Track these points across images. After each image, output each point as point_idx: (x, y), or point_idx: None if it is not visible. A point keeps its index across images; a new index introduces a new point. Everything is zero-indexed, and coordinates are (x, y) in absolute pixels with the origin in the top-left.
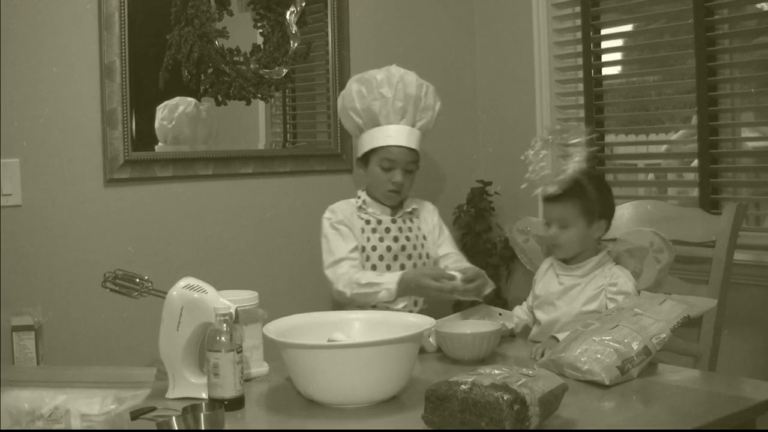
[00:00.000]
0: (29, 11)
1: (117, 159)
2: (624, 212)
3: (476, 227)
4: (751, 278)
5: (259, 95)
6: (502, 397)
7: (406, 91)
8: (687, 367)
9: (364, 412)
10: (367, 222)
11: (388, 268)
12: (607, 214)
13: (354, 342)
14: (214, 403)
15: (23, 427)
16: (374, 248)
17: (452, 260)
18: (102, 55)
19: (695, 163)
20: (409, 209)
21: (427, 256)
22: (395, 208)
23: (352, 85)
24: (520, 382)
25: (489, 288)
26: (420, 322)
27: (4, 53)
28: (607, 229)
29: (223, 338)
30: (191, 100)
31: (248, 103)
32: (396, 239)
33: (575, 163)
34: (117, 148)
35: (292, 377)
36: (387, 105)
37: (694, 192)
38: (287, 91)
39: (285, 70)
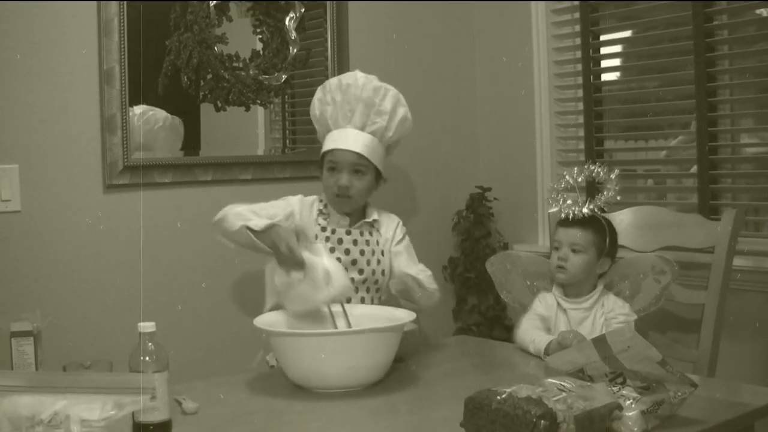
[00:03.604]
0: (28, 17)
1: (116, 165)
2: (623, 218)
3: (475, 233)
4: (750, 284)
5: (259, 101)
6: (530, 412)
7: (355, 93)
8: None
9: (343, 396)
10: (323, 229)
11: None
12: (613, 254)
13: (334, 331)
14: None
15: None
16: None
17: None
18: (101, 61)
19: (694, 168)
20: (369, 219)
21: (383, 273)
22: (354, 217)
23: (316, 93)
24: (557, 397)
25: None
26: (402, 315)
27: (3, 58)
28: (608, 268)
29: (148, 358)
30: (164, 113)
31: (247, 109)
32: (347, 252)
33: (607, 197)
34: (116, 153)
35: (281, 364)
36: (336, 109)
37: (694, 198)
38: (286, 96)
39: (284, 76)
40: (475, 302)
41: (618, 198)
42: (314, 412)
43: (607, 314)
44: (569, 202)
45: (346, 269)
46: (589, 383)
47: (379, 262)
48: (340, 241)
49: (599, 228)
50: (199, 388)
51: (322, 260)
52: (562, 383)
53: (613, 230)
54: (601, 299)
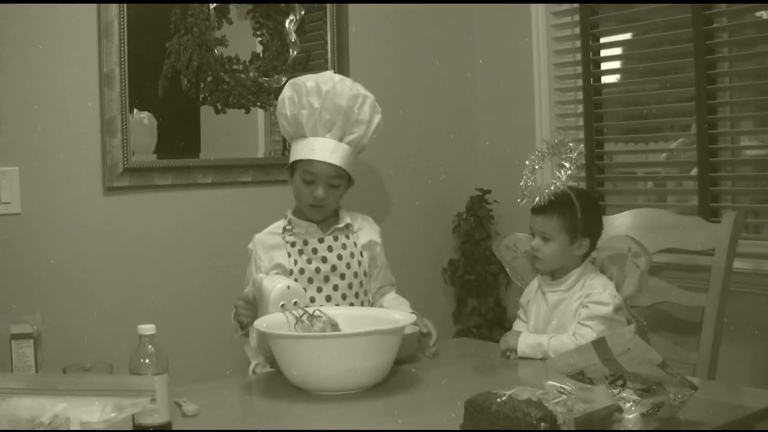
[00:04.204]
0: (28, 19)
1: (116, 167)
2: (623, 221)
3: (475, 235)
4: (751, 286)
5: (259, 103)
6: (531, 414)
7: (335, 102)
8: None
9: (343, 398)
10: (293, 244)
11: (319, 290)
12: (592, 233)
13: (335, 333)
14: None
15: None
16: (302, 271)
17: (392, 304)
18: (101, 64)
19: (694, 171)
20: (342, 224)
21: (365, 274)
22: (326, 224)
23: (286, 90)
24: (557, 400)
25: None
26: (401, 318)
27: (3, 61)
28: (591, 248)
29: (148, 360)
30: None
31: (247, 111)
32: (324, 259)
33: (564, 177)
34: (116, 156)
35: (280, 366)
36: (314, 116)
37: (694, 200)
38: None
39: (284, 79)
40: (475, 304)
41: (569, 172)
42: (314, 414)
43: (583, 299)
44: (530, 183)
45: (327, 277)
46: (589, 386)
47: (359, 263)
48: (314, 251)
49: (568, 210)
50: (199, 390)
51: (260, 281)
52: (562, 386)
53: (589, 207)
54: (582, 281)
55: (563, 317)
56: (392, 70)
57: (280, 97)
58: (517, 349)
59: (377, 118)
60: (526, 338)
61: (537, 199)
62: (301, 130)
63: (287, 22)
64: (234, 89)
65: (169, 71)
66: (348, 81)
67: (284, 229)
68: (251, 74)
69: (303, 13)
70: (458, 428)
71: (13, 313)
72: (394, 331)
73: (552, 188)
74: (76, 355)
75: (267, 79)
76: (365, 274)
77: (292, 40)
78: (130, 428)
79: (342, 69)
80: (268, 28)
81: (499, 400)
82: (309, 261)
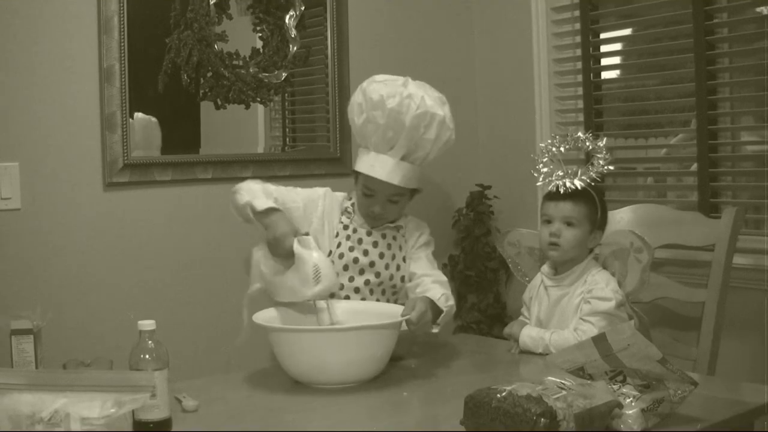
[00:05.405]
0: (28, 14)
1: (116, 163)
2: (623, 216)
3: (475, 231)
4: (751, 282)
5: (259, 99)
6: (531, 410)
7: (399, 119)
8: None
9: (343, 393)
10: (345, 227)
11: (351, 280)
12: (604, 226)
13: (333, 327)
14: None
15: (24, 430)
16: (341, 256)
17: (424, 286)
18: (101, 59)
19: (694, 167)
20: (393, 225)
21: (402, 279)
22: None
23: (356, 95)
24: (557, 396)
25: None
26: (398, 312)
27: (3, 56)
28: (598, 242)
29: (148, 356)
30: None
31: (247, 107)
32: (366, 253)
33: (595, 171)
34: (116, 151)
35: (279, 360)
36: (377, 132)
37: (694, 196)
38: (286, 95)
39: (284, 74)
40: (475, 300)
41: (611, 167)
42: (314, 409)
43: (585, 295)
44: (560, 173)
45: (363, 270)
46: (589, 381)
47: (398, 267)
48: (359, 241)
49: (590, 200)
50: (199, 385)
51: (312, 254)
52: (563, 381)
53: (603, 201)
54: (584, 276)
55: (565, 313)
56: (392, 66)
57: (351, 100)
58: (520, 339)
59: (446, 135)
60: (530, 330)
61: (568, 183)
62: (365, 142)
63: (287, 17)
64: (234, 85)
65: (169, 67)
66: (418, 96)
67: (345, 210)
68: (251, 70)
69: (303, 8)
70: (458, 424)
71: (14, 309)
72: (392, 326)
73: (585, 177)
74: (76, 350)
75: (267, 74)
76: (402, 279)
77: (292, 36)
78: (130, 424)
79: (342, 65)
80: (268, 24)
81: (499, 395)
82: (351, 249)
